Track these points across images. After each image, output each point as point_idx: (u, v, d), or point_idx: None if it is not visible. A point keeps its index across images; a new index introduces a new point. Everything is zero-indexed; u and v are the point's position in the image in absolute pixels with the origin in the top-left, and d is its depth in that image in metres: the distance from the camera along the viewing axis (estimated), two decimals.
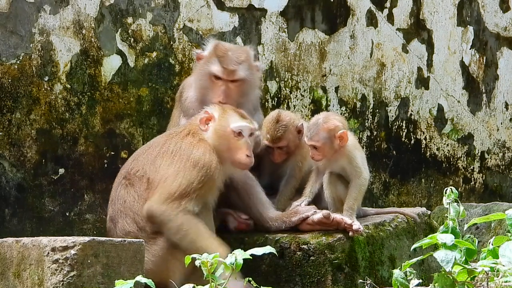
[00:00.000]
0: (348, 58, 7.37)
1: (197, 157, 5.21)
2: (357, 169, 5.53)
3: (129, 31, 6.71)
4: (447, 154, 7.73)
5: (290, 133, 5.72)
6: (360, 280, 5.26)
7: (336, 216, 5.37)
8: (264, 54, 7.10)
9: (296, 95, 7.19)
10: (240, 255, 4.26)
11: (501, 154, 7.93)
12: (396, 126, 7.54)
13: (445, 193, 4.79)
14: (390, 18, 7.49)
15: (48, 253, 4.59)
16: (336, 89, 7.33)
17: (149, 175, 5.24)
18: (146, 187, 5.22)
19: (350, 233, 5.34)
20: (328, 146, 5.50)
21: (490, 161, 7.88)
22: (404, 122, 7.56)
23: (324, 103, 7.27)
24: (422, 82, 7.62)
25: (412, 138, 7.60)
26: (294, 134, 5.74)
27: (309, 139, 5.50)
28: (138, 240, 4.81)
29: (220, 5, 6.95)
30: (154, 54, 6.77)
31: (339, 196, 5.54)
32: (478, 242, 5.87)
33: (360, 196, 5.53)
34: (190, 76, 6.06)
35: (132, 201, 5.23)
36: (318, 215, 5.39)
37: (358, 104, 7.40)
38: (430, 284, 4.55)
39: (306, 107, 7.21)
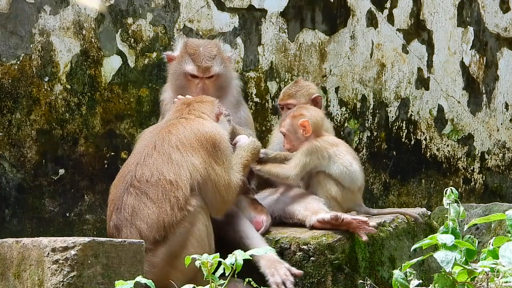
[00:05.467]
0: (348, 58, 7.37)
1: (211, 134, 5.29)
2: (293, 158, 5.59)
3: (129, 31, 6.71)
4: (447, 155, 7.73)
5: (302, 96, 5.87)
6: (360, 281, 5.27)
7: (347, 216, 5.39)
8: (264, 55, 7.10)
9: None
10: (240, 255, 4.26)
11: (501, 154, 7.93)
12: (396, 127, 7.54)
13: (445, 193, 4.79)
14: (390, 19, 7.50)
15: (48, 253, 4.59)
16: (336, 89, 7.33)
17: (169, 177, 5.14)
18: (170, 188, 5.14)
19: (364, 238, 5.33)
20: (293, 134, 5.63)
21: (490, 161, 7.89)
22: (404, 122, 7.56)
23: (324, 103, 7.27)
24: (422, 82, 7.62)
25: (412, 138, 7.60)
26: (307, 101, 5.87)
27: (279, 126, 5.70)
28: (138, 240, 4.80)
29: (220, 6, 6.95)
30: (154, 54, 6.78)
31: (331, 195, 5.55)
32: (478, 242, 5.87)
33: (249, 159, 5.52)
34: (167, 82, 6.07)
35: (143, 208, 5.10)
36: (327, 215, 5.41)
37: (358, 105, 7.40)
38: (430, 285, 4.55)
39: None
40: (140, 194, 5.13)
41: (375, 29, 7.45)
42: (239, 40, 6.99)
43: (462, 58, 7.77)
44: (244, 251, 5.36)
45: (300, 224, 5.57)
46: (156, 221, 5.07)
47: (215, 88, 5.77)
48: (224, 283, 4.26)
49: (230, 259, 4.25)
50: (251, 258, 4.29)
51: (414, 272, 4.52)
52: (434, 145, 7.69)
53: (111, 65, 6.68)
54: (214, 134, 5.27)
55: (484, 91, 7.86)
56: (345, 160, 5.58)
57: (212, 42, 5.93)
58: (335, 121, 7.21)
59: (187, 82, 5.77)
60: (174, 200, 5.09)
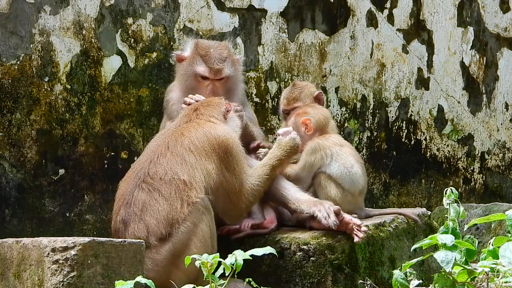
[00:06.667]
0: (348, 58, 7.37)
1: (223, 139, 5.32)
2: (300, 159, 5.64)
3: (129, 31, 6.71)
4: (447, 155, 7.73)
5: (306, 97, 5.92)
6: (360, 281, 5.27)
7: (345, 216, 5.39)
8: (264, 55, 7.10)
9: None
10: (240, 255, 4.26)
11: (501, 154, 7.93)
12: (396, 127, 7.54)
13: (445, 193, 4.79)
14: (390, 19, 7.49)
15: (48, 253, 4.59)
16: (336, 89, 7.33)
17: (183, 177, 5.17)
18: (183, 188, 5.15)
19: (356, 239, 5.33)
20: (297, 132, 5.67)
21: (490, 161, 7.88)
22: (404, 122, 7.56)
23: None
24: (422, 82, 7.62)
25: (412, 138, 7.60)
26: (311, 99, 5.93)
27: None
28: (138, 240, 4.81)
29: (220, 6, 6.95)
30: (154, 54, 6.78)
31: (330, 197, 5.56)
32: (478, 242, 5.88)
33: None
34: (173, 82, 6.08)
35: (154, 204, 5.14)
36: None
37: (358, 105, 7.40)
38: (430, 285, 4.55)
39: None
40: (152, 190, 5.17)
41: (375, 29, 7.45)
42: (239, 40, 6.99)
43: (462, 58, 7.77)
44: (281, 202, 5.46)
45: (300, 225, 5.59)
46: (165, 217, 5.11)
47: (224, 90, 5.80)
48: (224, 283, 4.27)
49: (230, 259, 4.25)
50: (251, 258, 4.29)
51: (414, 272, 4.52)
52: (434, 145, 7.69)
53: (111, 65, 6.67)
54: (226, 138, 5.31)
55: (484, 91, 7.85)
56: (347, 161, 5.58)
57: (222, 44, 5.94)
58: (335, 121, 7.20)
59: (197, 83, 5.79)
60: (186, 198, 5.13)
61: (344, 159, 5.59)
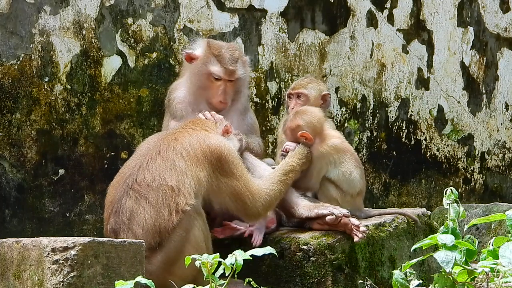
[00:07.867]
0: (348, 58, 7.37)
1: (216, 147, 5.28)
2: (309, 174, 5.61)
3: (129, 31, 6.71)
4: (447, 155, 7.73)
5: (313, 89, 5.93)
6: (360, 281, 5.27)
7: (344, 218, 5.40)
8: (264, 55, 7.10)
9: None
10: (240, 255, 4.26)
11: (501, 154, 7.93)
12: (396, 127, 7.54)
13: (445, 193, 4.79)
14: (390, 19, 7.50)
15: (48, 253, 4.59)
16: (336, 89, 7.33)
17: (171, 183, 5.11)
18: (170, 194, 5.09)
19: (356, 239, 5.34)
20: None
21: (490, 161, 7.88)
22: (404, 122, 7.56)
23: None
24: (422, 82, 7.62)
25: (412, 138, 7.60)
26: (317, 95, 5.93)
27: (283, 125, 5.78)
28: (138, 240, 4.80)
29: (220, 6, 6.95)
30: (154, 54, 6.78)
31: (332, 197, 5.57)
32: (478, 242, 5.88)
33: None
34: (177, 80, 6.06)
35: (140, 212, 5.08)
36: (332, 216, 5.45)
37: (358, 105, 7.40)
38: (430, 285, 4.55)
39: None
40: (139, 198, 5.10)
41: (375, 29, 7.45)
42: (239, 40, 6.99)
43: (462, 58, 7.77)
44: (285, 209, 5.49)
45: (300, 225, 5.59)
46: (152, 226, 5.04)
47: (233, 92, 5.78)
48: (224, 283, 4.26)
49: (230, 259, 4.25)
50: (251, 258, 4.29)
51: (414, 272, 4.52)
52: (434, 145, 7.69)
53: (111, 65, 6.68)
54: (219, 147, 5.26)
55: (484, 91, 7.86)
56: (346, 169, 5.61)
57: (232, 45, 5.93)
58: (335, 121, 7.21)
59: (209, 83, 5.75)
60: (173, 205, 5.07)
61: (345, 167, 5.62)
